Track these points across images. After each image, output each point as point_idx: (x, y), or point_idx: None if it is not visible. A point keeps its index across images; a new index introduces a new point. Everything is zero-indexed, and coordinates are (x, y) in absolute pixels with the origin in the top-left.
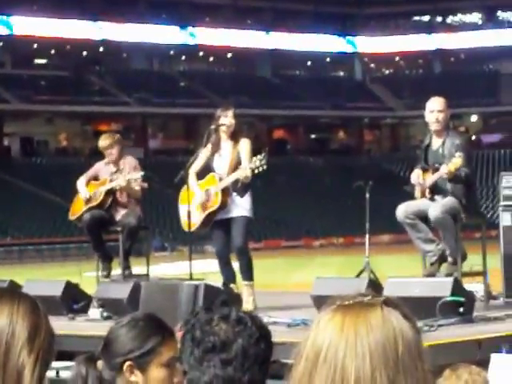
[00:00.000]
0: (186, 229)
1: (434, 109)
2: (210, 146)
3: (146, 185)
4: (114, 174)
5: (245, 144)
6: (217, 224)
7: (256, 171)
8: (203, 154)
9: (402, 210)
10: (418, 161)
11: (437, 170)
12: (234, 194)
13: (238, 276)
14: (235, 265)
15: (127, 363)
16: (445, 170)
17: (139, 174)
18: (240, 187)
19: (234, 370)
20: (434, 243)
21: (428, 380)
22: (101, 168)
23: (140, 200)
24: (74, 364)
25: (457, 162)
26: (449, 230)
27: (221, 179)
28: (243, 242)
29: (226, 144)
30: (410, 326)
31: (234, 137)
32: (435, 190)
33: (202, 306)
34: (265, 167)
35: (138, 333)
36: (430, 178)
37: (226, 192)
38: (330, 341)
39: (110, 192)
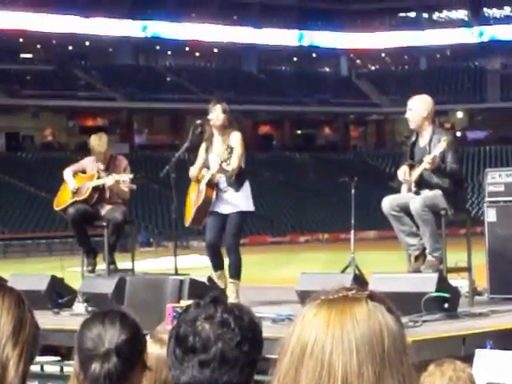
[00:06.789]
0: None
1: (408, 107)
2: (204, 144)
3: (134, 186)
4: (102, 171)
5: (235, 137)
6: (212, 215)
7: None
8: (200, 152)
9: (388, 202)
10: (404, 158)
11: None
12: (230, 188)
13: (226, 265)
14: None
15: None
16: (428, 159)
17: (127, 176)
18: (234, 181)
19: (212, 372)
20: (418, 237)
21: (412, 374)
22: (89, 163)
23: (127, 200)
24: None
25: (441, 145)
26: (428, 226)
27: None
28: (234, 240)
29: (217, 139)
30: (394, 319)
31: (225, 132)
32: (422, 183)
33: (194, 302)
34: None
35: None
36: (416, 171)
37: (210, 186)
38: (316, 336)
39: (97, 188)
